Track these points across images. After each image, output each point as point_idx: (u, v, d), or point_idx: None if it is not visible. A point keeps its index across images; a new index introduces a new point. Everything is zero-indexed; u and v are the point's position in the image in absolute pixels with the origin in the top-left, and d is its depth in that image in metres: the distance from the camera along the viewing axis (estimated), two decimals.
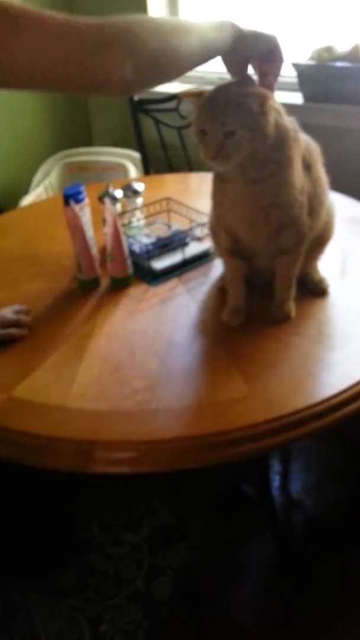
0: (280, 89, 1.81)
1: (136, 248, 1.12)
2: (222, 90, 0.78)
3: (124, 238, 1.03)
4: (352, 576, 1.27)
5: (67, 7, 2.11)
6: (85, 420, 0.75)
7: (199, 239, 1.15)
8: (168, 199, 1.26)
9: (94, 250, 1.07)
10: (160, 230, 1.19)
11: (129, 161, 2.06)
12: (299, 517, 1.42)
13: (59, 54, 0.62)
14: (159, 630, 0.84)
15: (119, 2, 1.98)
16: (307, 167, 0.88)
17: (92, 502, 1.00)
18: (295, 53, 1.73)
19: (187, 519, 0.98)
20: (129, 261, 1.06)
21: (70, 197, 1.03)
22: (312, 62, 1.65)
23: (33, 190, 2.06)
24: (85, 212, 1.06)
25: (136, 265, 1.09)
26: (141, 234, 1.17)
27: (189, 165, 1.83)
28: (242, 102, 0.75)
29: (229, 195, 0.87)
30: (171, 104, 1.74)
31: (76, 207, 1.02)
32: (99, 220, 1.14)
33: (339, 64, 1.61)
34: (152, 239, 1.14)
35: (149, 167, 1.89)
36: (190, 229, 1.16)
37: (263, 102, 0.76)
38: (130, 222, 1.21)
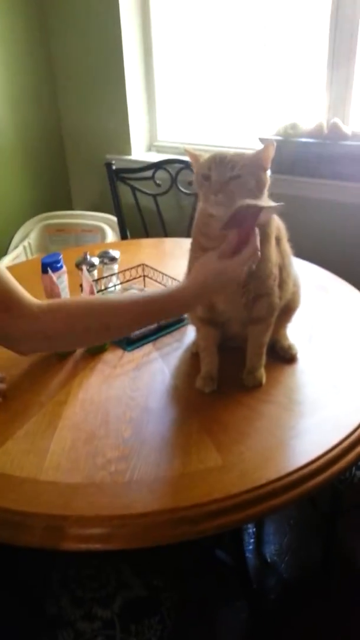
0: None
1: None
2: (228, 150, 0.84)
3: None
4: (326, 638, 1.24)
5: (38, 6, 2.19)
6: (57, 494, 0.74)
7: None
8: (144, 265, 1.31)
9: None
10: None
11: (107, 224, 2.13)
12: (273, 582, 1.39)
13: None
14: None
15: (90, 2, 2.08)
16: (277, 241, 0.94)
17: (63, 575, 0.97)
18: (262, 128, 1.86)
19: (160, 590, 0.96)
20: None
21: (48, 265, 1.06)
22: (278, 138, 1.77)
23: (12, 250, 2.10)
24: (63, 279, 1.09)
25: None
26: None
27: (164, 230, 1.90)
28: (251, 155, 0.81)
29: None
30: (147, 173, 1.83)
31: (54, 276, 1.05)
32: (77, 284, 1.17)
33: (303, 139, 1.74)
34: None
35: (125, 230, 1.95)
36: None
37: (267, 160, 0.82)
38: (106, 288, 1.25)
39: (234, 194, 0.80)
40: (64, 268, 1.09)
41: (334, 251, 1.72)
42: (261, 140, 1.81)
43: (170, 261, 1.47)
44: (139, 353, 1.07)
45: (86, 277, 1.07)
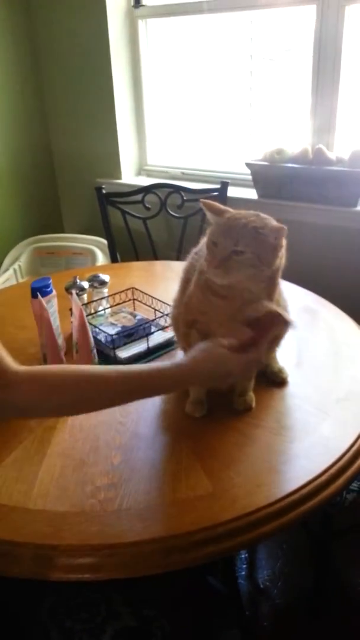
0: (237, 185, 1.99)
1: (102, 337, 1.15)
2: (242, 214, 0.83)
3: (90, 329, 1.06)
4: None
5: (28, 30, 2.22)
6: (46, 522, 0.73)
7: (163, 329, 1.19)
8: (133, 289, 1.32)
9: (60, 340, 1.09)
10: (126, 319, 1.23)
11: (97, 247, 2.14)
12: (266, 608, 1.37)
13: None
14: None
15: (76, 2, 2.10)
16: None
17: (52, 605, 0.95)
18: (249, 153, 1.91)
19: (151, 620, 0.94)
20: (94, 352, 1.08)
21: (38, 290, 1.06)
22: (264, 163, 1.81)
23: (2, 273, 2.10)
24: (52, 304, 1.09)
25: (102, 354, 1.12)
26: (107, 322, 1.21)
27: (154, 252, 1.92)
28: (260, 232, 0.80)
29: (218, 310, 0.87)
30: (137, 197, 1.86)
31: (43, 300, 1.05)
32: (67, 307, 1.17)
33: (289, 165, 1.78)
34: (118, 328, 1.18)
35: (116, 253, 1.97)
36: (155, 319, 1.20)
37: (278, 235, 0.81)
38: (96, 312, 1.25)
39: (232, 268, 0.80)
40: (54, 292, 1.09)
41: (321, 274, 1.74)
42: (248, 165, 1.85)
43: (161, 284, 1.48)
44: None
45: (75, 302, 1.07)
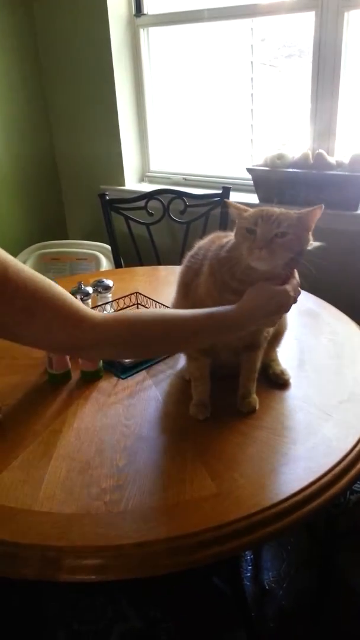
0: (238, 190, 2.01)
1: None
2: (274, 208, 0.86)
3: None
4: None
5: (28, 22, 2.23)
6: (52, 524, 0.74)
7: None
8: (137, 293, 1.33)
9: None
10: None
11: (101, 253, 2.16)
12: (272, 609, 1.38)
13: None
14: None
15: (78, 11, 2.12)
16: None
17: (58, 608, 0.96)
18: (250, 159, 1.92)
19: (157, 621, 0.95)
20: None
21: None
22: (265, 168, 1.83)
23: None
24: None
25: None
26: None
27: (157, 257, 1.94)
28: (297, 215, 0.84)
29: None
30: (140, 203, 1.88)
31: None
32: None
33: (290, 169, 1.79)
34: None
35: (119, 258, 1.98)
36: None
37: (313, 217, 0.85)
38: None
39: (276, 251, 0.82)
40: None
41: (322, 276, 1.75)
42: (249, 170, 1.86)
43: (164, 288, 1.50)
44: (133, 381, 1.08)
45: None
